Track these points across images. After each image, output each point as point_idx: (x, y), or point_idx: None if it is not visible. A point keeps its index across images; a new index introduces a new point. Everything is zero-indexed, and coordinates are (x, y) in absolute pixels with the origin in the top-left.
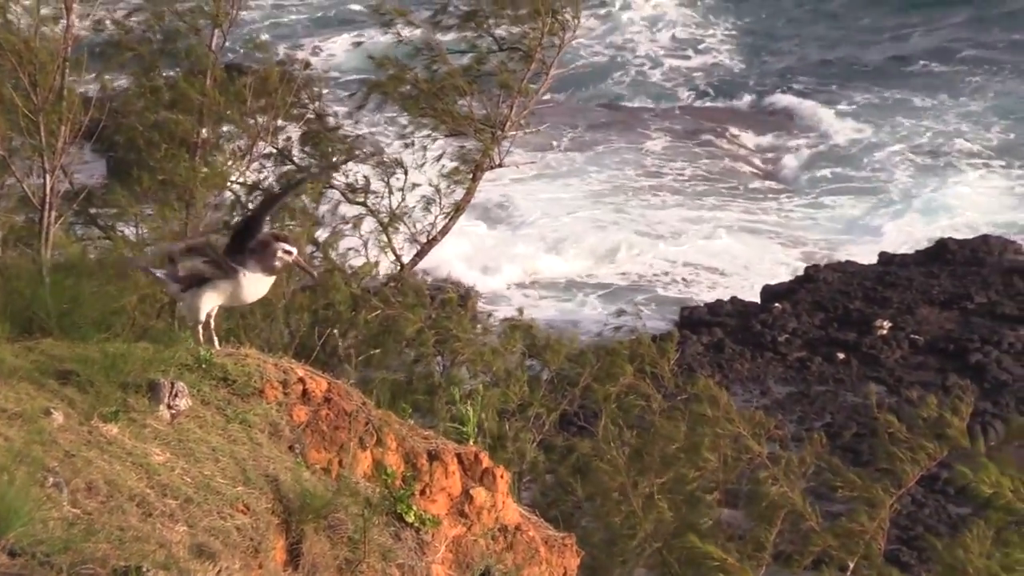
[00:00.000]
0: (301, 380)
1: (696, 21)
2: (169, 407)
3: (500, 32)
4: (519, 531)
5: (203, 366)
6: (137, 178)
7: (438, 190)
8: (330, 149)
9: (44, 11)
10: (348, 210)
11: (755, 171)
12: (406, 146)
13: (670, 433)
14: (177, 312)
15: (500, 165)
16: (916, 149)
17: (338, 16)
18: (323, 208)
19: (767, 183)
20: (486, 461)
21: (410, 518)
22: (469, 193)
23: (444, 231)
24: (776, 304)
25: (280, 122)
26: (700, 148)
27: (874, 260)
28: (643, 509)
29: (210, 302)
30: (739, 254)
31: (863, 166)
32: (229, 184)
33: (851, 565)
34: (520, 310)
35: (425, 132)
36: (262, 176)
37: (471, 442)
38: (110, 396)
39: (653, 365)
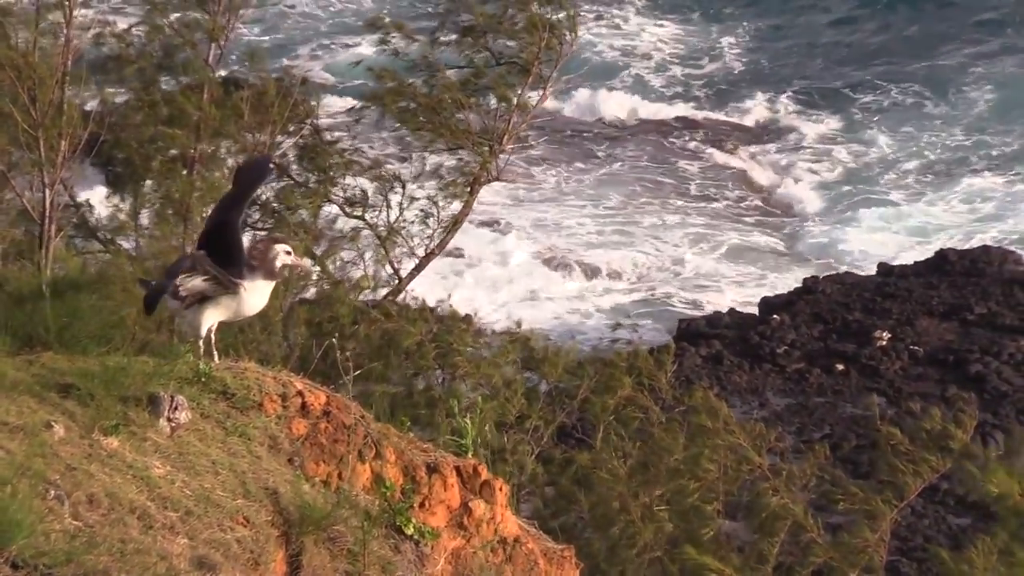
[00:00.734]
0: (300, 393)
1: (699, 32)
2: (169, 420)
3: (497, 47)
4: (518, 543)
5: (203, 380)
6: (135, 192)
7: (436, 204)
8: (327, 163)
9: (43, 25)
10: (346, 224)
11: (756, 182)
12: (404, 160)
13: (668, 445)
14: (177, 326)
15: (498, 179)
16: (924, 158)
17: (349, 23)
18: (321, 222)
19: (768, 194)
20: (485, 474)
21: (409, 531)
22: (467, 206)
23: (442, 245)
24: (775, 316)
25: (278, 137)
26: (699, 160)
27: (873, 271)
28: (643, 519)
29: (212, 319)
30: (737, 266)
31: (868, 178)
32: None
33: None
34: (518, 322)
35: (423, 145)
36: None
37: (470, 455)
38: (110, 409)
39: (651, 377)
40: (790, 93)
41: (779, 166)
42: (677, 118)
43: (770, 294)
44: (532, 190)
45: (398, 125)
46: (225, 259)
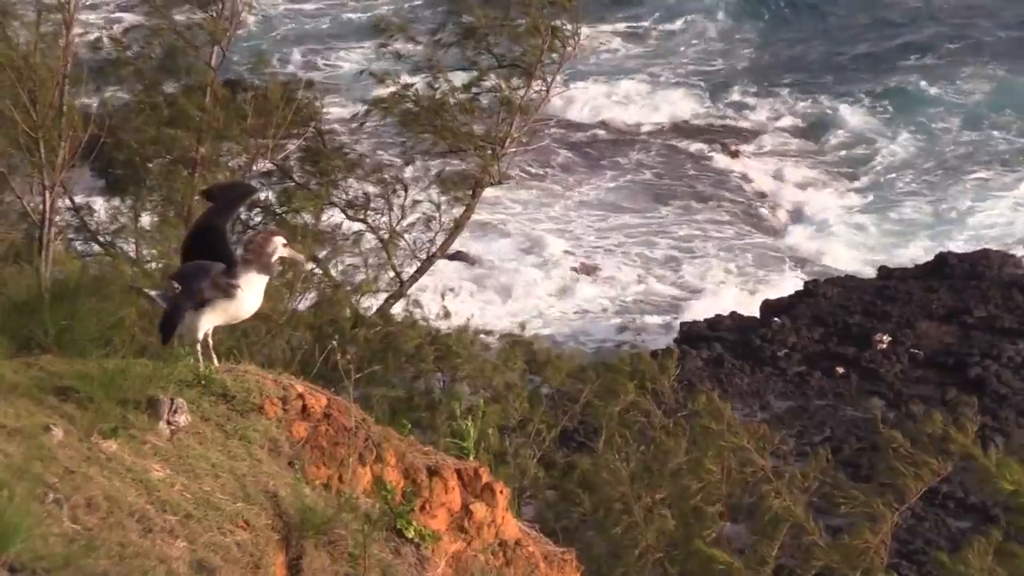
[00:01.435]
0: (300, 396)
1: (709, 36)
2: (169, 423)
3: (500, 50)
4: (519, 546)
5: (203, 382)
6: (136, 195)
7: (438, 207)
8: (330, 167)
9: (44, 28)
10: (349, 226)
11: (758, 185)
12: (407, 163)
13: (670, 448)
14: (176, 330)
15: (500, 182)
16: (927, 159)
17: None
18: (323, 224)
19: (769, 196)
20: (486, 476)
21: (410, 534)
22: (469, 210)
23: (444, 248)
24: (775, 319)
25: (280, 140)
26: (701, 162)
27: (873, 274)
28: (645, 520)
29: (209, 323)
30: (738, 269)
31: (870, 181)
32: None
33: None
34: (522, 325)
35: (425, 148)
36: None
37: (471, 458)
38: (110, 412)
39: (653, 381)
40: (790, 95)
41: (781, 169)
42: (678, 121)
43: (771, 297)
44: (533, 193)
45: (400, 128)
46: (213, 260)
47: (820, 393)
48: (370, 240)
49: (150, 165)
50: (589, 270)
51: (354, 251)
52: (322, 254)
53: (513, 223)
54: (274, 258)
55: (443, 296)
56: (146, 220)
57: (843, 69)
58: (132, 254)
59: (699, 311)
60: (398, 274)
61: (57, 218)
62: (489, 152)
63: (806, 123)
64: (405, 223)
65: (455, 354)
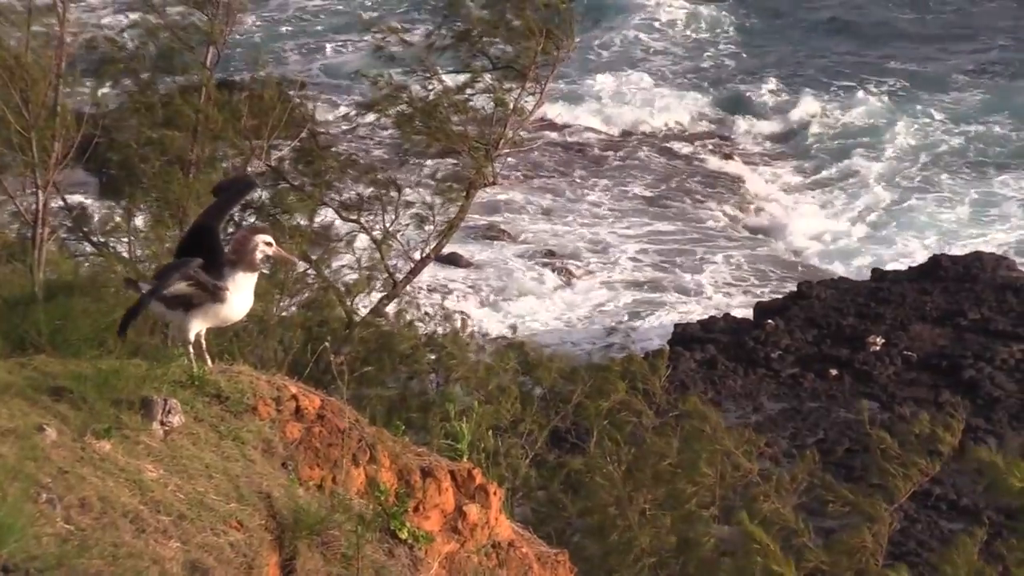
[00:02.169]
0: (294, 397)
1: (696, 34)
2: (162, 424)
3: (494, 51)
4: (512, 547)
5: (196, 383)
6: (130, 195)
7: (431, 208)
8: (323, 167)
9: (36, 28)
10: (342, 226)
11: (752, 186)
12: (400, 164)
13: (661, 449)
14: (169, 329)
15: (494, 183)
16: (921, 160)
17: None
18: (317, 225)
19: (763, 198)
20: (479, 478)
21: (403, 535)
22: (462, 211)
23: (437, 248)
24: (769, 320)
25: (274, 140)
26: (695, 164)
27: (867, 276)
28: (640, 524)
29: (198, 326)
30: (732, 270)
31: (865, 183)
32: None
33: None
34: (514, 327)
35: (419, 150)
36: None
37: (465, 459)
38: (103, 413)
39: (645, 382)
40: (787, 96)
41: (775, 170)
42: (672, 122)
43: (764, 299)
44: (528, 195)
45: (394, 129)
46: (206, 262)
47: (813, 395)
48: (363, 241)
49: (144, 166)
50: (581, 272)
51: (347, 252)
52: (315, 255)
53: (506, 225)
54: (258, 255)
55: (443, 298)
56: (140, 220)
57: (840, 70)
58: (125, 254)
59: (692, 312)
60: (391, 275)
61: (50, 218)
62: (483, 153)
63: (801, 125)
64: (399, 223)
65: (450, 355)
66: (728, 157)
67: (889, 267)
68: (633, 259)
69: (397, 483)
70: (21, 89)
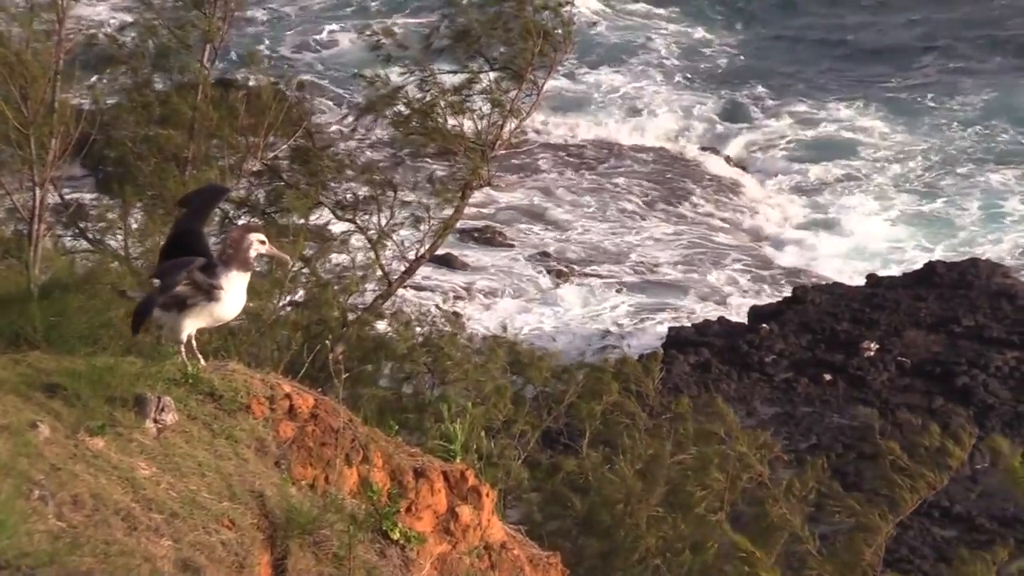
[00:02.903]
0: (288, 396)
1: (694, 36)
2: (156, 421)
3: (491, 52)
4: (504, 549)
5: (190, 381)
6: (126, 192)
7: (427, 208)
8: (320, 166)
9: (37, 26)
10: (338, 227)
11: (748, 191)
12: (397, 164)
13: (658, 451)
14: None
15: (489, 184)
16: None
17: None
18: (312, 224)
19: (759, 203)
20: (472, 479)
21: (395, 535)
22: (458, 211)
23: (432, 249)
24: (763, 325)
25: (271, 138)
26: (691, 168)
27: (862, 282)
28: (647, 525)
29: (192, 325)
30: (727, 274)
31: (862, 187)
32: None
33: None
34: (504, 325)
35: (415, 150)
36: (252, 193)
37: (458, 459)
38: (97, 410)
39: (638, 383)
40: (785, 100)
41: (772, 175)
42: (670, 127)
43: (759, 303)
44: (523, 197)
45: (391, 130)
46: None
47: (807, 400)
48: (359, 240)
49: (140, 163)
50: (576, 274)
51: (343, 251)
52: (310, 254)
53: (501, 227)
54: (251, 253)
55: (444, 300)
56: (136, 218)
57: (839, 74)
58: (121, 251)
59: (687, 316)
60: (386, 274)
61: (46, 215)
62: (479, 154)
63: (799, 129)
64: (394, 223)
65: (447, 356)
66: (726, 161)
67: (884, 273)
68: (628, 262)
69: (390, 483)
70: (20, 86)
